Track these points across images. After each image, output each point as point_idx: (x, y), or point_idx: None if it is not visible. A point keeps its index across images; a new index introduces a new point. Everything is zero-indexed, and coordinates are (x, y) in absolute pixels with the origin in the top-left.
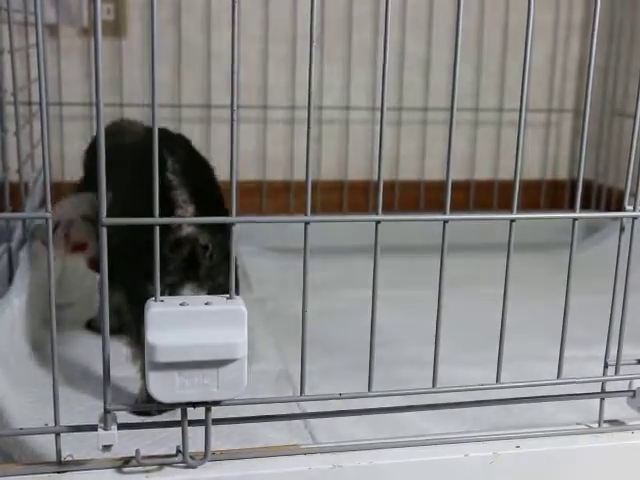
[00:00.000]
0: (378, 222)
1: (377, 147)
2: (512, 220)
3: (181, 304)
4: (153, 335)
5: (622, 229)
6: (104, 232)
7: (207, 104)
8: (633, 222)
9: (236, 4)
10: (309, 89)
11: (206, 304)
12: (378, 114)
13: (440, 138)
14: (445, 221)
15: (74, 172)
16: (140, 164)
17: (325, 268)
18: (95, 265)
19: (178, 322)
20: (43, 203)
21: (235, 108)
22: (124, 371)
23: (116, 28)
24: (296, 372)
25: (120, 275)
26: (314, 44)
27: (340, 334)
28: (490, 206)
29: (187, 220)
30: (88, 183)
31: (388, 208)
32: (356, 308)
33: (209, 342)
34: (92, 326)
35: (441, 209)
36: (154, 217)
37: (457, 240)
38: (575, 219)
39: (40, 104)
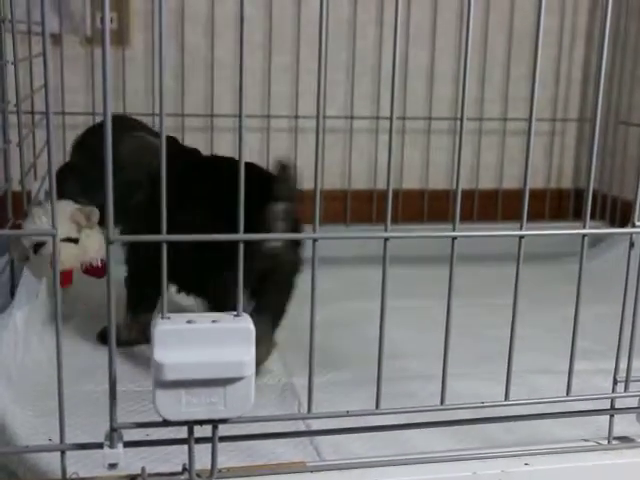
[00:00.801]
0: (387, 239)
1: (381, 156)
2: (521, 237)
3: (188, 322)
4: (160, 353)
5: (632, 245)
6: (110, 250)
7: (210, 113)
8: None
9: (244, 22)
10: (317, 104)
11: (213, 322)
12: (382, 123)
13: (444, 147)
14: (454, 237)
15: None
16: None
17: (330, 279)
18: (92, 270)
19: (185, 340)
20: None
21: (243, 123)
22: (131, 387)
23: (119, 37)
24: (301, 385)
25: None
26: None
27: (346, 346)
28: (494, 215)
29: (191, 238)
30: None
31: (392, 218)
32: (362, 319)
33: (216, 360)
34: (104, 338)
35: (445, 219)
36: (162, 234)
37: (462, 250)
38: (584, 235)
39: (47, 116)
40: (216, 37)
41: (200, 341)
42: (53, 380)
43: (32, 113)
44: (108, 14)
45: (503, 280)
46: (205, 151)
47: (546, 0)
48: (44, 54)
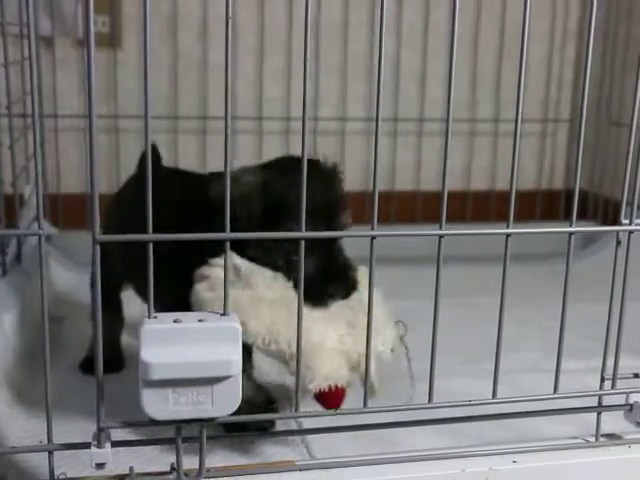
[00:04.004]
0: (373, 238)
1: (373, 158)
2: (508, 235)
3: (175, 321)
4: (147, 352)
5: (618, 243)
6: (97, 250)
7: (204, 116)
8: (629, 236)
9: (230, 21)
10: (303, 105)
11: (200, 321)
12: (374, 125)
13: (436, 149)
14: (441, 236)
15: (70, 184)
16: None
17: None
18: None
19: (172, 339)
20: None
21: (229, 124)
22: (118, 388)
23: (111, 40)
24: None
25: None
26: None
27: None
28: (487, 217)
29: (176, 237)
30: None
31: (384, 219)
32: None
33: (203, 359)
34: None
35: (438, 220)
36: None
37: (452, 251)
38: (571, 233)
39: (32, 117)
40: (209, 40)
41: (187, 340)
42: (43, 382)
43: (24, 116)
44: (92, 18)
45: (494, 280)
46: (198, 154)
47: (537, 2)
48: (30, 57)
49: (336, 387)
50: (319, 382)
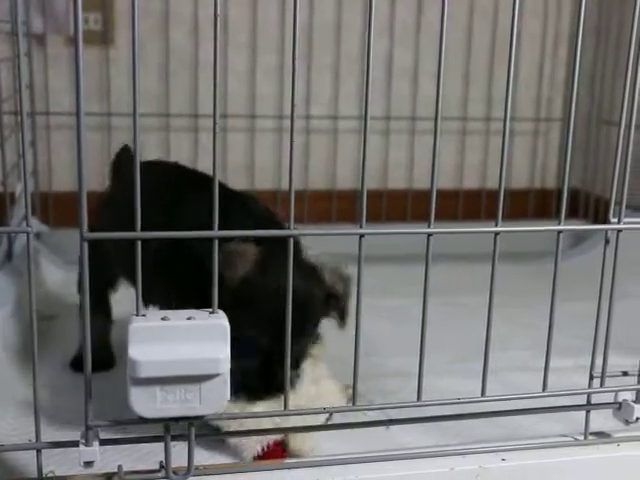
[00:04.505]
0: (362, 236)
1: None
2: (496, 233)
3: (163, 319)
4: (135, 350)
5: (607, 241)
6: (85, 247)
7: (195, 113)
8: (618, 234)
9: (218, 18)
10: (292, 101)
11: (188, 319)
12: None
13: (428, 147)
14: (429, 234)
15: (61, 182)
16: None
17: None
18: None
19: (160, 337)
20: (33, 212)
21: (217, 121)
22: (106, 385)
23: (104, 37)
24: None
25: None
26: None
27: (326, 343)
28: (478, 215)
29: (166, 235)
30: None
31: (376, 218)
32: None
33: (191, 357)
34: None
35: (428, 219)
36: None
37: (443, 249)
38: (560, 231)
39: (21, 115)
40: (201, 38)
41: (175, 338)
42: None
43: (16, 114)
44: (81, 15)
45: (485, 278)
46: (190, 152)
47: (529, 3)
48: (19, 55)
49: (269, 444)
50: (252, 450)
